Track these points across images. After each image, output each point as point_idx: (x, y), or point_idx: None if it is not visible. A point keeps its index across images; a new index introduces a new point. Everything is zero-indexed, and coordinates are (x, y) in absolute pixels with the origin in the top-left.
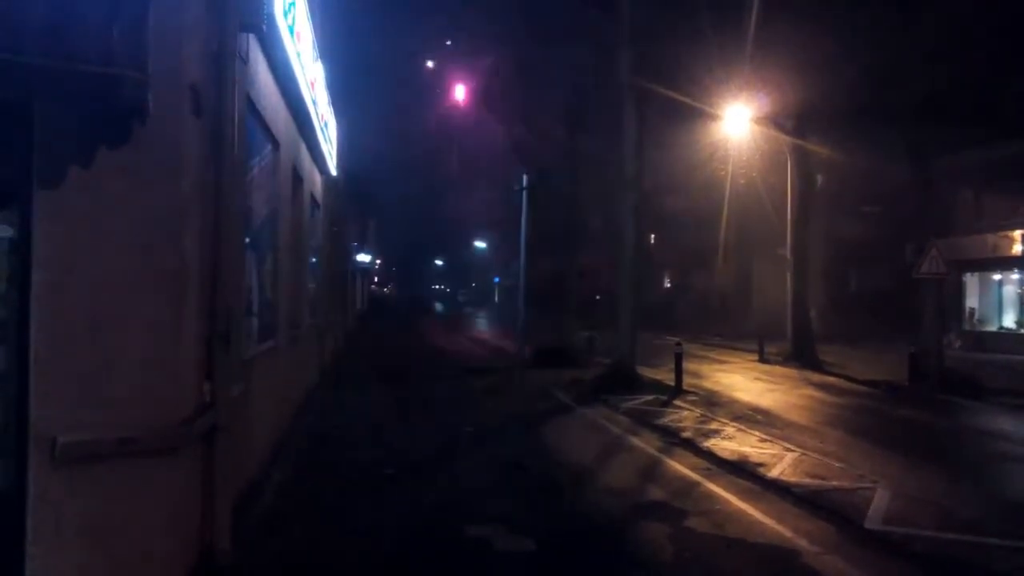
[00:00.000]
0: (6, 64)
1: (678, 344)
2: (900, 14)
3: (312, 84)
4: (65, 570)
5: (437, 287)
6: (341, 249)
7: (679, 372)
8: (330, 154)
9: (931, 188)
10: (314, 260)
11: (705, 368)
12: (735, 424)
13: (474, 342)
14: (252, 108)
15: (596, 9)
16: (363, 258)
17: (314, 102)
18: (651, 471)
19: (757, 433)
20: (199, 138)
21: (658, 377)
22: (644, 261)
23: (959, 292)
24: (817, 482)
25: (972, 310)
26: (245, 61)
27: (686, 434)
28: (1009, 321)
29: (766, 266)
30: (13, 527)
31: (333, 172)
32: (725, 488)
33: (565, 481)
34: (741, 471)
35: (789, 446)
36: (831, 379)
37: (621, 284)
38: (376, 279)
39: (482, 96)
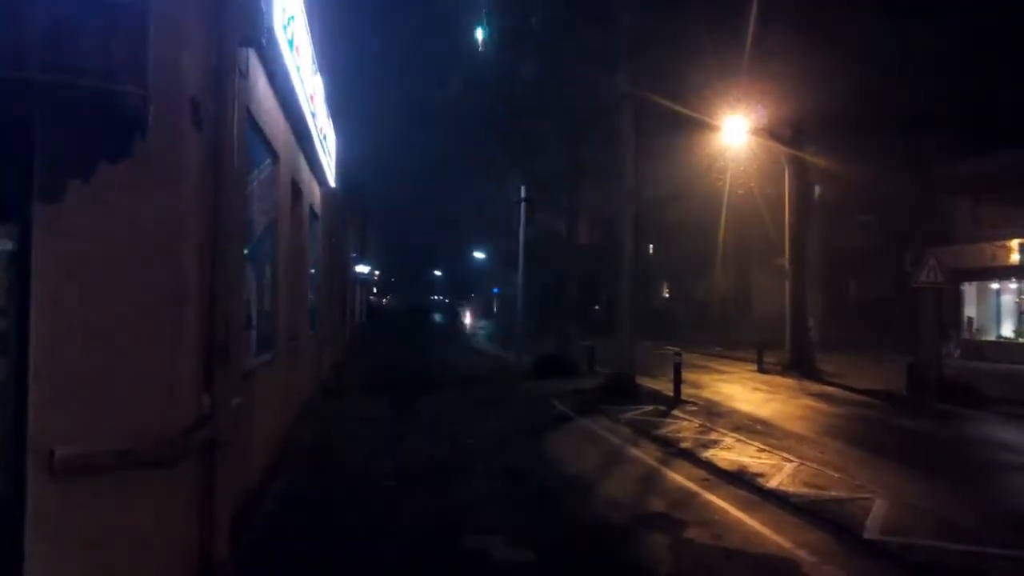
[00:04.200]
0: (6, 79)
1: (677, 354)
2: (897, 24)
3: (311, 97)
4: None
5: (436, 298)
6: (340, 260)
7: (678, 382)
8: (329, 166)
9: (929, 197)
10: (313, 271)
11: (704, 378)
12: (734, 434)
13: (473, 353)
14: (252, 121)
15: (594, 21)
16: (362, 269)
17: (313, 115)
18: (650, 482)
19: (756, 443)
20: (199, 151)
21: (657, 387)
22: (643, 271)
23: (957, 301)
24: (816, 492)
25: (970, 319)
26: (245, 75)
27: (685, 444)
28: (1007, 330)
29: (765, 276)
30: (11, 539)
31: (332, 184)
32: (724, 498)
33: (564, 492)
34: (740, 481)
35: (788, 456)
36: (830, 389)
37: (620, 294)
38: (375, 290)
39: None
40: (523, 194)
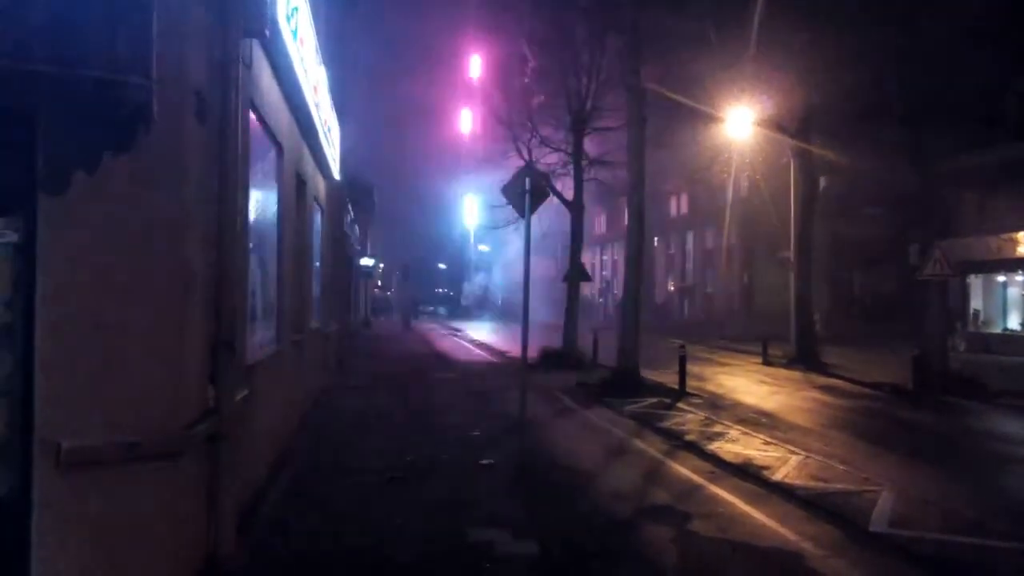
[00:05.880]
0: (10, 70)
1: (682, 347)
2: (904, 16)
3: (315, 88)
4: (70, 575)
5: (440, 290)
6: (344, 253)
7: (683, 375)
8: (333, 158)
9: (935, 190)
10: (317, 264)
11: (709, 371)
12: (739, 427)
13: (478, 346)
14: (256, 113)
15: (599, 11)
16: (366, 262)
17: (317, 106)
18: (655, 474)
19: (761, 436)
20: (203, 143)
21: (662, 380)
22: (648, 264)
23: (963, 294)
24: (821, 485)
25: (976, 312)
26: (249, 66)
27: (690, 437)
28: (1013, 323)
29: (769, 268)
30: (18, 532)
31: (336, 176)
32: (729, 491)
33: (569, 484)
34: (745, 474)
35: (793, 449)
36: (835, 381)
37: (625, 287)
38: (379, 283)
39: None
40: (528, 186)
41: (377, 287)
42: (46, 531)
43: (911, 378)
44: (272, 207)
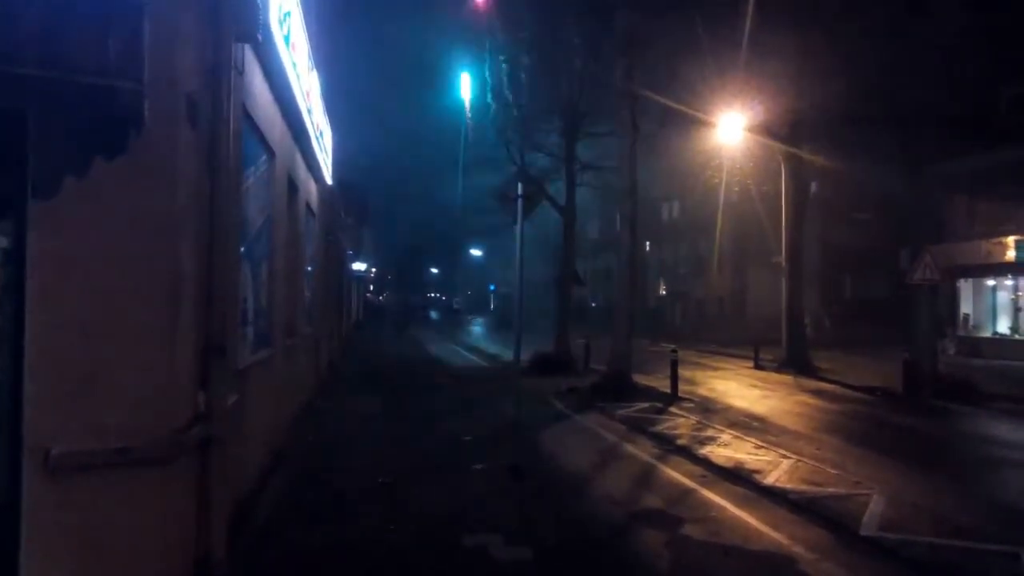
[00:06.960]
0: (1, 74)
1: (674, 351)
2: (893, 23)
3: (307, 93)
4: None
5: (432, 295)
6: (336, 257)
7: (675, 379)
8: (325, 163)
9: (925, 194)
10: (309, 269)
11: (700, 375)
12: (731, 431)
13: (470, 350)
14: (248, 118)
15: (591, 17)
16: (358, 266)
17: (309, 111)
18: (647, 478)
19: (753, 440)
20: (195, 148)
21: (654, 384)
22: (640, 269)
23: (953, 298)
24: (813, 489)
25: (966, 316)
26: (241, 71)
27: (682, 441)
28: (1003, 327)
29: (761, 273)
30: (6, 538)
31: (328, 180)
32: (721, 495)
33: (562, 489)
34: (737, 478)
35: (785, 453)
36: (826, 385)
37: (617, 292)
38: (371, 287)
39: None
40: (520, 191)
41: (369, 291)
42: (35, 537)
43: (902, 382)
44: (264, 212)
